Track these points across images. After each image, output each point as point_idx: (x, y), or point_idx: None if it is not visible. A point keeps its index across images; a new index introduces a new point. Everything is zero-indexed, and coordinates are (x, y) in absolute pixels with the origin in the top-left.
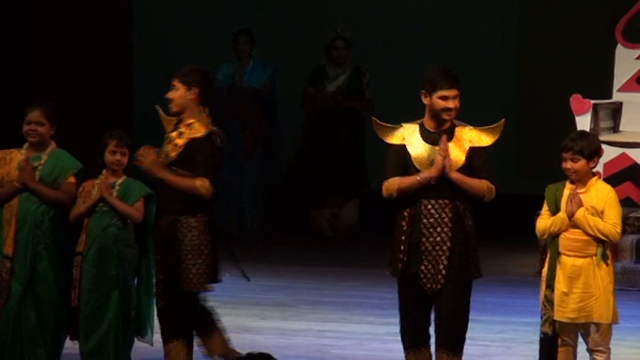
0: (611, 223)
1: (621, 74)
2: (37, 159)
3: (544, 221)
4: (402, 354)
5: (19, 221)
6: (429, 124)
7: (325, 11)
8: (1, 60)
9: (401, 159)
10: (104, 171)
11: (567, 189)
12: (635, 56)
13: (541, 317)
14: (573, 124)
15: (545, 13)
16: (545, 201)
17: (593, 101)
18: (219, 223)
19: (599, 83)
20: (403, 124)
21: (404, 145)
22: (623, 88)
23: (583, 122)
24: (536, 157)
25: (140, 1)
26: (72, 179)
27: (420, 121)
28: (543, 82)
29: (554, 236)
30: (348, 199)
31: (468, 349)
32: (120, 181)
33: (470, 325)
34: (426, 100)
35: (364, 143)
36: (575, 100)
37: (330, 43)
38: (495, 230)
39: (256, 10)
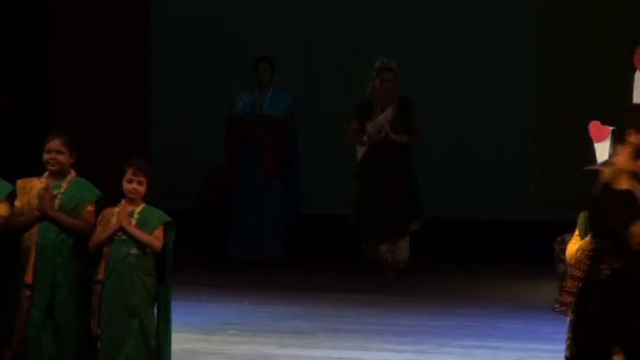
0: None
1: None
2: (57, 187)
3: (575, 246)
4: None
5: (39, 249)
6: (632, 166)
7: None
8: (22, 89)
9: (630, 205)
10: (123, 200)
11: None
12: None
13: (565, 342)
14: (592, 151)
15: (564, 38)
16: (577, 226)
17: (612, 128)
18: (241, 250)
19: (619, 109)
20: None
21: (630, 191)
22: None
23: (602, 149)
24: (554, 184)
25: (162, 34)
26: (91, 207)
27: (609, 162)
28: (562, 108)
29: None
30: (404, 234)
31: None
32: (139, 209)
33: (490, 352)
34: (635, 139)
35: (416, 177)
36: (594, 127)
37: (377, 74)
38: (514, 258)
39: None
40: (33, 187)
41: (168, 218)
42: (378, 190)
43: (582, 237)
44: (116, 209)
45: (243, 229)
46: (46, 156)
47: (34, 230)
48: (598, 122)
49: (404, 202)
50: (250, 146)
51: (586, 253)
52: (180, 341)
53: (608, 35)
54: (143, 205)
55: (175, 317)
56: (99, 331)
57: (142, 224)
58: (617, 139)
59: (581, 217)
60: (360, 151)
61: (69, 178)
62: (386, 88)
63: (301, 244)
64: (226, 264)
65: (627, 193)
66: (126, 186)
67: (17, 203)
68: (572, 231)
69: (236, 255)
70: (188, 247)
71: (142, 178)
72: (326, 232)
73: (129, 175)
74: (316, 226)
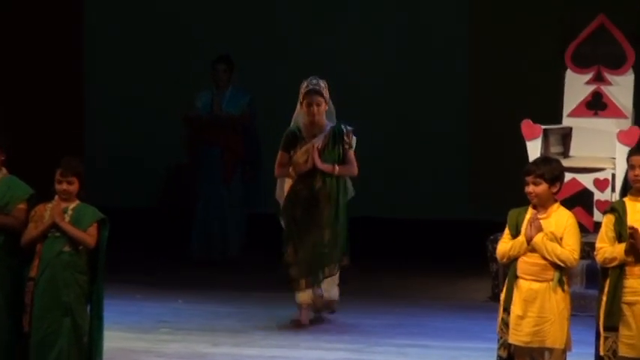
0: (569, 249)
1: (571, 99)
2: None
3: (504, 245)
4: None
5: None
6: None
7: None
8: None
9: None
10: (56, 197)
11: (529, 213)
12: (585, 81)
13: (498, 341)
14: (525, 149)
15: (496, 38)
16: (507, 224)
17: (543, 126)
18: (201, 249)
19: (549, 108)
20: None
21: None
22: (573, 113)
23: (534, 147)
24: (489, 183)
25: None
26: (22, 205)
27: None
28: (495, 108)
29: (513, 260)
30: (330, 274)
31: None
32: (73, 205)
33: (422, 350)
34: None
35: (347, 213)
36: (526, 126)
37: (303, 98)
38: (448, 256)
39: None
40: None
41: (102, 215)
42: (303, 227)
43: (513, 236)
44: (49, 205)
45: (203, 226)
46: None
47: None
48: (530, 121)
49: (331, 240)
50: (210, 146)
51: None
52: (114, 339)
53: (540, 33)
54: (77, 202)
55: (109, 315)
56: (31, 328)
57: (76, 221)
58: None
59: (512, 217)
60: (288, 184)
61: (0, 175)
62: (313, 113)
63: (259, 243)
64: (176, 262)
65: None
66: (56, 186)
67: None
68: (502, 230)
69: (199, 254)
70: (146, 246)
71: (72, 178)
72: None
73: (57, 176)
74: (275, 225)
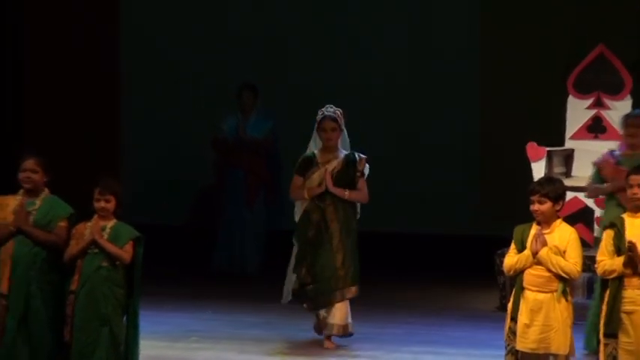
0: (572, 262)
1: (573, 123)
2: (31, 204)
3: (511, 258)
4: None
5: (14, 262)
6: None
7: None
8: None
9: None
10: (95, 215)
11: (534, 229)
12: (586, 106)
13: (505, 348)
14: (530, 169)
15: (506, 67)
16: (513, 240)
17: (547, 148)
18: (222, 268)
19: (554, 131)
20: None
21: None
22: (575, 136)
23: (538, 168)
24: (496, 200)
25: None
26: (63, 223)
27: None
28: (504, 131)
29: (520, 272)
30: (342, 299)
31: None
32: (110, 224)
33: (436, 357)
34: None
35: (356, 238)
36: (531, 148)
37: (318, 124)
38: (458, 269)
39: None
40: (9, 204)
41: (138, 233)
42: (315, 249)
43: (519, 251)
44: (89, 224)
45: (226, 246)
46: (21, 175)
47: (10, 244)
48: (535, 143)
49: (345, 263)
50: (234, 168)
51: None
52: (147, 348)
53: (547, 61)
54: (114, 220)
55: (143, 325)
56: (72, 338)
57: (114, 238)
58: None
59: (517, 233)
60: (302, 207)
61: (42, 195)
62: (327, 139)
63: (278, 259)
64: (199, 277)
65: None
66: (95, 204)
67: None
68: (508, 245)
69: (219, 270)
70: (173, 261)
71: (109, 196)
72: None
73: (96, 194)
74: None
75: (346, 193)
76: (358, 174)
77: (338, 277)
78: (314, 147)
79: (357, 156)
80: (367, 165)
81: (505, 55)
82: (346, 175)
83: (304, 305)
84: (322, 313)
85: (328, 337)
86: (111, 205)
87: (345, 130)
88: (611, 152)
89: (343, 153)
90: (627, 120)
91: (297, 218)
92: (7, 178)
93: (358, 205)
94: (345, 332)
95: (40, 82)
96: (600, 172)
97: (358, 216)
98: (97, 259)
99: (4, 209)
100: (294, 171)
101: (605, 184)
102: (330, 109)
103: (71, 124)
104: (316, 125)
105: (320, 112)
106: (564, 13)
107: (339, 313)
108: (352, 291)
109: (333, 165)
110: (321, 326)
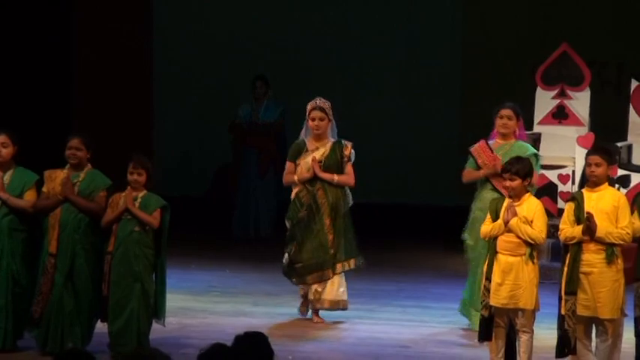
0: (538, 230)
1: (540, 110)
2: (76, 177)
3: (486, 226)
4: (366, 334)
5: (62, 226)
6: None
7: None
8: (48, 99)
9: None
10: (128, 187)
11: (506, 202)
12: (551, 96)
13: (481, 303)
14: None
15: (483, 62)
16: (488, 211)
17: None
18: (239, 230)
19: (524, 118)
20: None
21: None
22: (542, 122)
23: None
24: None
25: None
26: (103, 193)
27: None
28: (482, 116)
29: (494, 238)
30: (333, 274)
31: (420, 329)
32: (141, 194)
33: (419, 310)
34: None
35: (350, 217)
36: None
37: (308, 114)
38: (442, 235)
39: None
40: (57, 176)
41: (165, 202)
42: (307, 229)
43: (493, 220)
44: (123, 194)
45: (242, 213)
46: (67, 152)
47: (58, 211)
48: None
49: (336, 242)
50: (249, 148)
51: None
52: (174, 301)
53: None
54: (144, 191)
55: (170, 282)
56: (108, 292)
57: (144, 207)
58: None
59: (492, 205)
60: (294, 191)
61: (86, 169)
62: (316, 127)
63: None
64: (219, 240)
65: None
66: (128, 177)
67: (44, 189)
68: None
69: (238, 234)
70: (196, 226)
71: (141, 170)
72: None
73: (130, 168)
74: None
75: (335, 178)
76: (345, 159)
77: (328, 256)
78: (305, 135)
79: (343, 143)
80: (353, 151)
81: (483, 51)
82: (334, 160)
83: (293, 280)
84: (311, 290)
85: (316, 312)
86: (142, 178)
87: (333, 120)
88: (486, 141)
89: (332, 141)
90: (500, 111)
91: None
92: (57, 155)
93: (349, 192)
94: (336, 307)
95: (86, 74)
96: (476, 160)
97: (351, 200)
98: (130, 224)
99: (53, 181)
100: (287, 158)
101: (480, 170)
102: (318, 101)
103: (111, 110)
104: (307, 115)
105: (310, 103)
106: (533, 16)
107: (330, 288)
108: (343, 266)
109: (321, 152)
110: (306, 305)
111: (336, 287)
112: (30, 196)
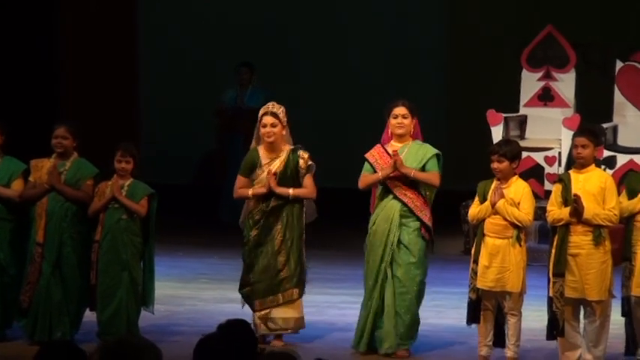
0: (524, 212)
1: (526, 92)
2: (62, 165)
3: (474, 209)
4: (353, 318)
5: (48, 215)
6: None
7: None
8: (34, 89)
9: None
10: (115, 175)
11: (494, 184)
12: (536, 78)
13: (469, 286)
14: (490, 133)
15: (468, 45)
16: (477, 193)
17: (504, 115)
18: (226, 217)
19: (510, 100)
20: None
21: None
22: (528, 104)
23: (497, 131)
24: (461, 160)
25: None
26: (90, 182)
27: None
28: (469, 99)
29: (481, 220)
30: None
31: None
32: (128, 182)
33: None
34: None
35: (303, 237)
36: (491, 114)
37: (260, 120)
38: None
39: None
40: (44, 165)
41: (152, 190)
42: (257, 249)
43: (481, 202)
44: (110, 182)
45: (229, 199)
46: (53, 141)
47: (45, 200)
48: (493, 110)
49: (287, 265)
50: (234, 133)
51: None
52: (162, 288)
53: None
54: (131, 179)
55: (158, 269)
56: (97, 280)
57: (131, 195)
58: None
59: (480, 187)
60: (247, 206)
61: (72, 158)
62: (267, 134)
63: None
64: (206, 227)
65: None
66: (116, 165)
67: (31, 178)
68: (473, 198)
69: (225, 220)
70: (184, 214)
71: (129, 158)
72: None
73: (118, 156)
74: None
75: (290, 192)
76: (302, 171)
77: (280, 279)
78: (257, 144)
79: (298, 153)
80: (311, 162)
81: (468, 34)
82: (289, 172)
83: (248, 305)
84: (261, 314)
85: (278, 337)
86: (130, 166)
87: (287, 128)
88: (382, 145)
89: (287, 150)
90: (393, 109)
91: (241, 218)
92: (43, 144)
93: (311, 205)
94: (292, 329)
95: (71, 63)
96: (373, 165)
97: (314, 215)
98: (117, 212)
99: (39, 170)
100: (239, 172)
101: (377, 173)
102: (270, 106)
103: (97, 99)
104: (258, 120)
105: (262, 109)
106: None
107: (284, 313)
108: (295, 293)
109: (276, 165)
110: (257, 329)
111: (292, 311)
112: (17, 186)
